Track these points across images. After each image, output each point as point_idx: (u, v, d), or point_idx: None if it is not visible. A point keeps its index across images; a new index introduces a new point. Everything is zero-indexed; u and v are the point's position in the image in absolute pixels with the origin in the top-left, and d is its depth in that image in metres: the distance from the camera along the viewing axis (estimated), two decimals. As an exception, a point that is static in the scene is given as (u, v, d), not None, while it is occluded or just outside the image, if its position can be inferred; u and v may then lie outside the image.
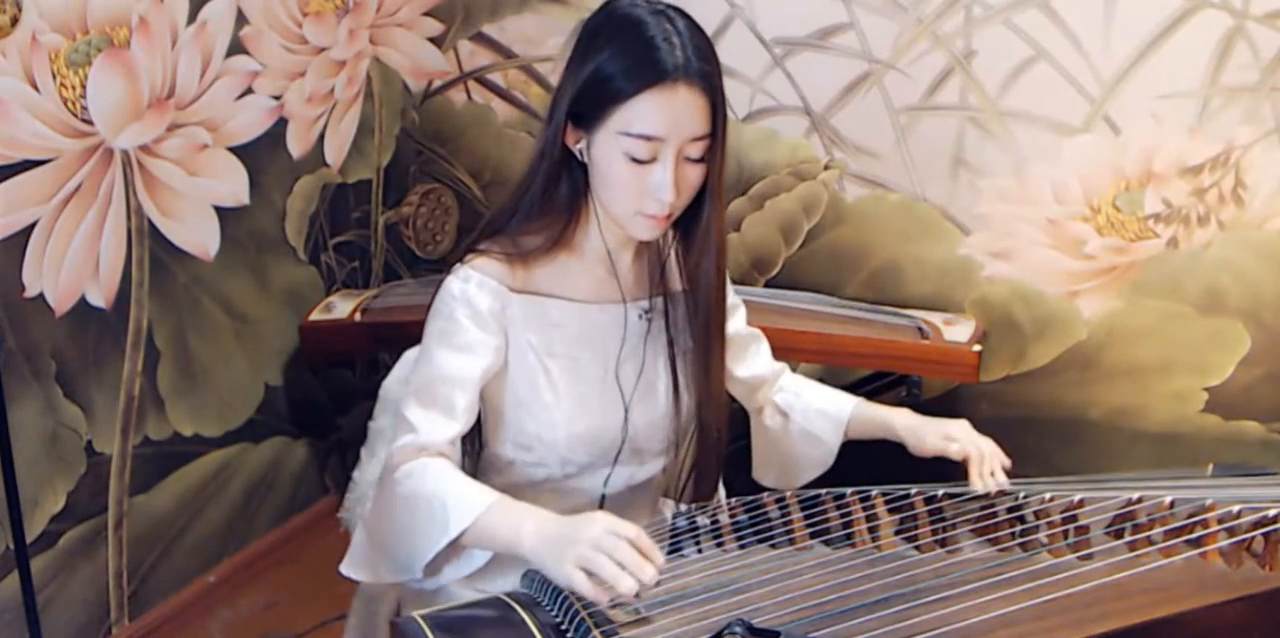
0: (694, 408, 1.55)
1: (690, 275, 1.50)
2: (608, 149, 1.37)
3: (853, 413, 1.66)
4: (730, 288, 1.66)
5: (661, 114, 1.34)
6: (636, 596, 1.19)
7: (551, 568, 1.24)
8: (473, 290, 1.44)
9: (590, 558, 1.20)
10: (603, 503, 1.56)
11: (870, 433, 1.65)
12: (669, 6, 1.39)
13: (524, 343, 1.47)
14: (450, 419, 1.43)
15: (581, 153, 1.41)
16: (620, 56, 1.35)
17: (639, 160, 1.36)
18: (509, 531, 1.30)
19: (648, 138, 1.35)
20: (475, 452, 1.57)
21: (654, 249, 1.55)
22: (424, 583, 1.46)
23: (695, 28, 1.38)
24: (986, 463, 1.51)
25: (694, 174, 1.39)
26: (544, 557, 1.25)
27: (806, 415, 1.68)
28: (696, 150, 1.37)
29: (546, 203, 1.45)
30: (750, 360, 1.71)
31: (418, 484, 1.37)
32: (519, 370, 1.48)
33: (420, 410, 1.43)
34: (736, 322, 1.68)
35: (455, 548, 1.37)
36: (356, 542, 1.48)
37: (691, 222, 1.46)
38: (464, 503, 1.33)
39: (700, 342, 1.52)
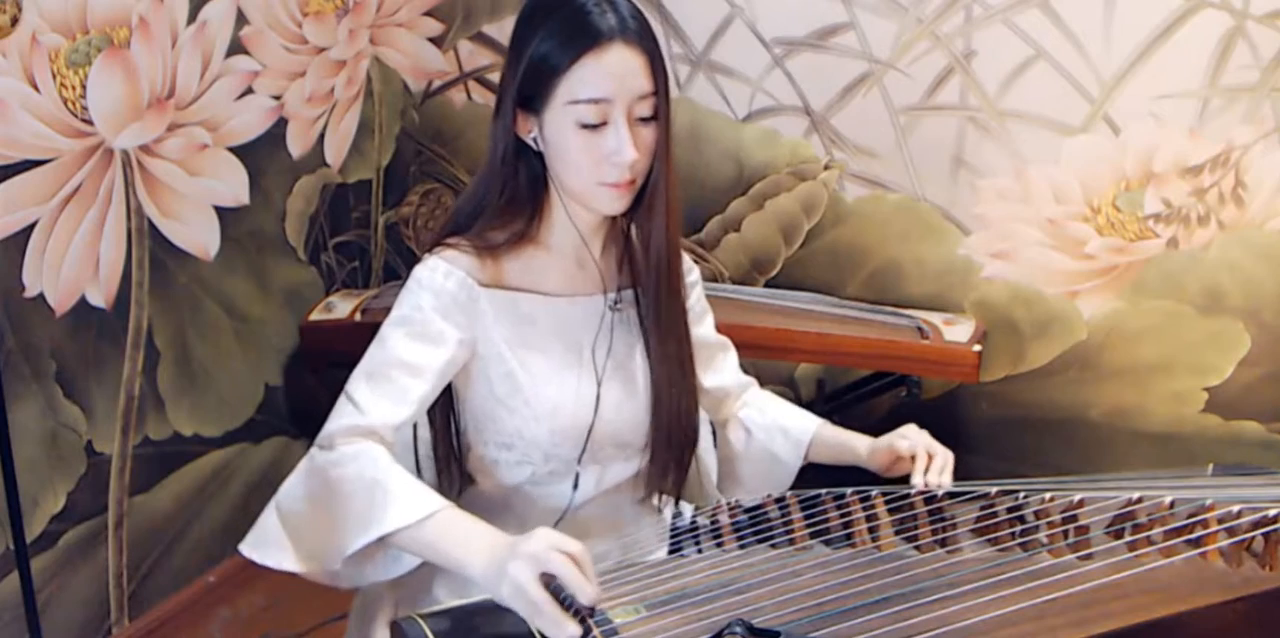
0: (665, 388, 1.52)
1: (643, 243, 1.48)
2: (559, 123, 1.37)
3: (815, 435, 1.63)
4: (702, 292, 1.65)
5: (603, 75, 1.35)
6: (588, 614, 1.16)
7: (493, 592, 1.19)
8: (440, 279, 1.43)
9: (513, 600, 1.16)
10: (574, 487, 1.54)
11: (835, 457, 1.62)
12: None
13: (496, 338, 1.46)
14: (399, 405, 1.39)
15: (536, 141, 1.42)
16: (555, 31, 1.36)
17: (591, 127, 1.36)
18: (457, 548, 1.24)
19: (595, 101, 1.35)
20: (461, 456, 1.55)
21: (620, 240, 1.54)
22: (335, 581, 1.38)
23: None
24: (936, 461, 1.50)
25: (648, 134, 1.39)
26: (487, 582, 1.20)
27: (769, 433, 1.66)
28: (645, 108, 1.38)
29: (507, 197, 1.45)
30: (718, 371, 1.69)
31: (361, 470, 1.31)
32: (494, 366, 1.46)
33: (370, 393, 1.38)
34: (706, 327, 1.66)
35: (383, 546, 1.31)
36: (265, 521, 1.37)
37: (643, 182, 1.44)
38: (410, 501, 1.27)
39: (665, 314, 1.50)
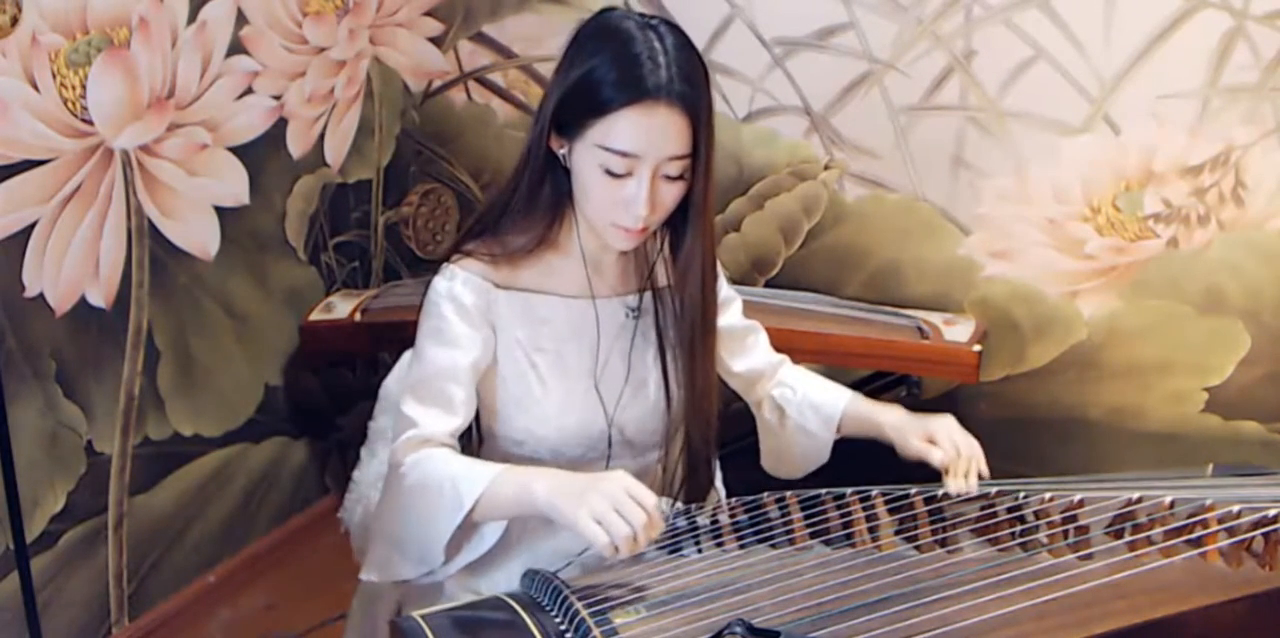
0: (685, 403, 1.56)
1: (676, 289, 1.52)
2: (586, 160, 1.39)
3: (845, 410, 1.65)
4: (724, 282, 1.67)
5: (638, 132, 1.35)
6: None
7: (567, 514, 1.26)
8: (458, 287, 1.47)
9: (604, 513, 1.24)
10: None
11: (862, 431, 1.64)
12: (662, 21, 1.40)
13: (512, 339, 1.50)
14: (450, 413, 1.47)
15: (565, 158, 1.44)
16: (604, 70, 1.36)
17: (615, 174, 1.38)
18: (519, 489, 1.33)
19: (624, 154, 1.36)
20: (475, 449, 1.59)
21: (642, 246, 1.55)
22: (434, 576, 1.48)
23: (684, 45, 1.39)
24: (963, 464, 1.50)
25: (671, 192, 1.40)
26: (560, 505, 1.28)
27: (801, 411, 1.68)
28: (675, 169, 1.38)
29: (531, 203, 1.48)
30: (747, 354, 1.71)
31: (425, 472, 1.41)
32: (508, 366, 1.51)
33: (419, 406, 1.46)
34: (731, 315, 1.68)
35: (468, 528, 1.40)
36: (371, 545, 1.51)
37: (678, 237, 1.48)
38: (472, 477, 1.36)
39: (685, 350, 1.53)
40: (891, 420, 1.58)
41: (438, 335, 1.47)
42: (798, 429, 1.68)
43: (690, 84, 1.36)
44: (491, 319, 1.49)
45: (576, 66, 1.38)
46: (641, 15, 1.42)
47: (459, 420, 1.47)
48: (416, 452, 1.43)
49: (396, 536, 1.47)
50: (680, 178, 1.40)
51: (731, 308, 1.68)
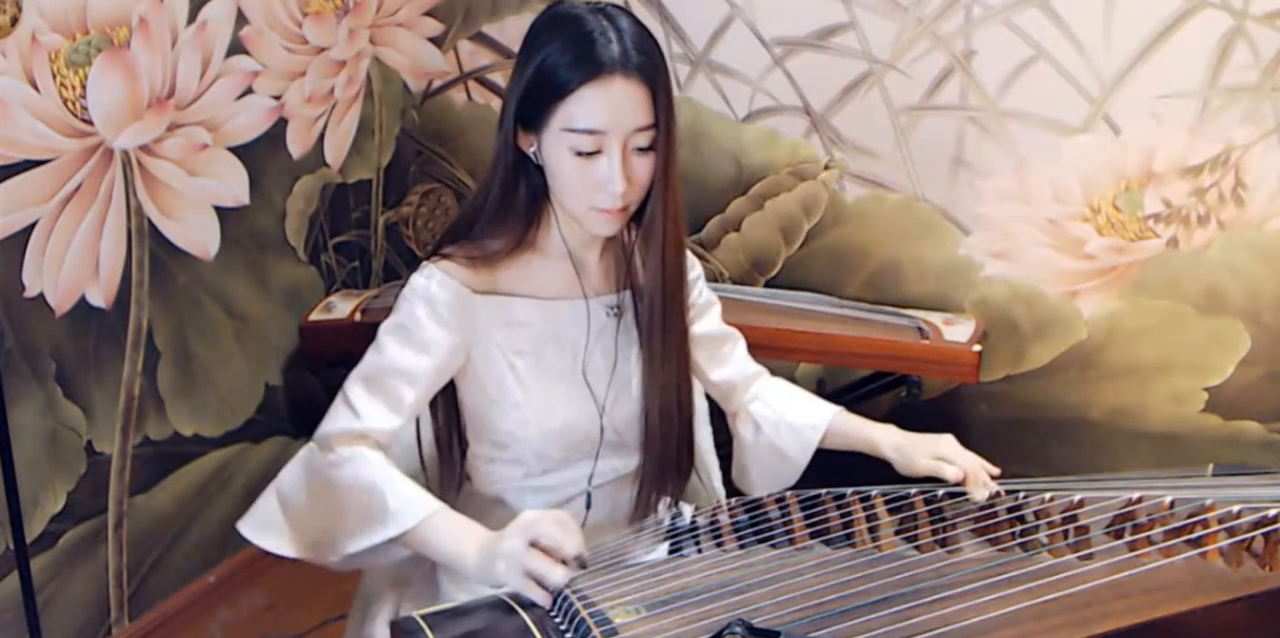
0: (660, 391, 1.55)
1: (647, 267, 1.51)
2: (556, 147, 1.39)
3: (828, 429, 1.63)
4: (706, 286, 1.67)
5: (600, 107, 1.36)
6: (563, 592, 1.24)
7: (489, 572, 1.29)
8: (435, 288, 1.45)
9: (513, 579, 1.26)
10: (589, 499, 1.57)
11: (851, 446, 1.62)
12: (610, 4, 1.42)
13: (490, 343, 1.49)
14: (395, 413, 1.44)
15: (536, 155, 1.43)
16: (558, 54, 1.37)
17: (585, 154, 1.37)
18: (452, 543, 1.33)
19: (590, 132, 1.36)
20: (460, 453, 1.58)
21: (619, 245, 1.56)
22: (340, 567, 1.44)
23: (636, 24, 1.40)
24: (981, 475, 1.51)
25: (643, 165, 1.40)
26: (484, 565, 1.30)
27: (778, 430, 1.66)
28: (643, 140, 1.39)
29: (507, 206, 1.47)
30: (724, 362, 1.69)
31: (357, 473, 1.38)
32: (487, 370, 1.50)
33: (366, 396, 1.44)
34: (710, 320, 1.67)
35: (383, 545, 1.37)
36: (265, 506, 1.46)
37: (642, 208, 1.47)
38: (408, 505, 1.35)
39: (660, 333, 1.52)
40: (892, 441, 1.58)
41: (404, 333, 1.45)
42: (770, 448, 1.67)
43: (646, 55, 1.37)
44: (467, 321, 1.47)
45: (532, 58, 1.39)
46: (589, 2, 1.42)
47: (400, 421, 1.44)
48: (351, 447, 1.40)
49: (300, 514, 1.43)
50: (651, 150, 1.40)
51: (711, 312, 1.68)
